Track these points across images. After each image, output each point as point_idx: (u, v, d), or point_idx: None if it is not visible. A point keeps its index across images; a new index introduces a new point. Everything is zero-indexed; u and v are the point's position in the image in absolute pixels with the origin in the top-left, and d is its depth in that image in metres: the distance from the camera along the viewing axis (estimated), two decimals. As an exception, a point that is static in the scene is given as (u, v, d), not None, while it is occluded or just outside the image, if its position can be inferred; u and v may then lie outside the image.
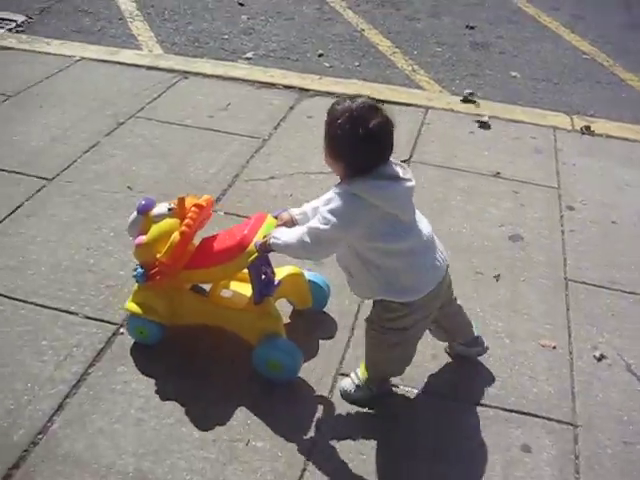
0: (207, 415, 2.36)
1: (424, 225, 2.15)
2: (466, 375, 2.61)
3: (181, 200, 2.39)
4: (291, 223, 2.31)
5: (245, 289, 2.51)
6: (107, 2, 6.39)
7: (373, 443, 2.32)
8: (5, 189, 3.45)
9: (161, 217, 2.39)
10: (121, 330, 2.68)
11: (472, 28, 6.36)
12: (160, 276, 2.35)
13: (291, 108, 4.48)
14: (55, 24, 5.93)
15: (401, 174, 2.03)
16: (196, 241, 2.49)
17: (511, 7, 6.88)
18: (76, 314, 2.74)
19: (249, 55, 5.51)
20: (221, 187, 3.56)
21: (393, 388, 2.53)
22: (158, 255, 2.32)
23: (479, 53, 5.85)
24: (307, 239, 2.04)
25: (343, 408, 2.44)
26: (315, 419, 2.38)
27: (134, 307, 2.46)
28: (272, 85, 4.80)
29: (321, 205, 2.06)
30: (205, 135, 4.04)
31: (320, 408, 2.43)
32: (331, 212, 1.98)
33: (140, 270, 2.37)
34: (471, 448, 2.34)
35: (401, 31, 6.18)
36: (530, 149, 4.24)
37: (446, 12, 6.71)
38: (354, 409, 2.44)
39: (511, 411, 2.48)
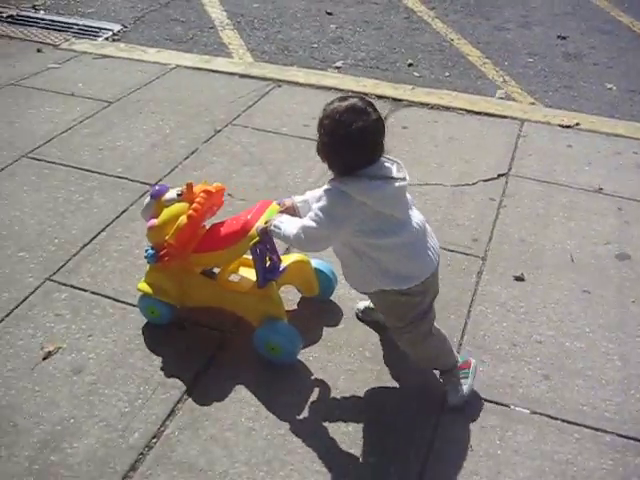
0: (317, 427, 2.34)
1: (417, 215, 2.19)
2: (578, 397, 2.52)
3: (189, 186, 2.49)
4: (292, 210, 2.36)
5: (252, 274, 2.56)
6: (198, 11, 6.50)
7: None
8: (110, 194, 3.53)
9: (172, 202, 2.50)
10: (229, 335, 2.69)
11: (564, 38, 6.21)
12: (168, 257, 2.46)
13: (385, 118, 4.42)
14: (149, 33, 6.07)
15: (394, 173, 2.05)
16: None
17: (604, 16, 6.69)
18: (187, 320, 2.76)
19: (339, 64, 5.51)
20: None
21: (510, 407, 2.46)
22: (167, 237, 2.42)
23: (572, 64, 5.70)
24: (302, 235, 2.11)
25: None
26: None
27: (145, 287, 2.58)
28: (365, 95, 4.76)
29: (314, 201, 2.12)
30: (301, 144, 4.05)
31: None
32: (321, 210, 2.05)
33: (151, 251, 2.50)
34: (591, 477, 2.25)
35: (491, 41, 6.08)
36: (632, 164, 4.10)
37: (537, 22, 6.58)
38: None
39: (628, 438, 2.38)
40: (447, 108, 4.65)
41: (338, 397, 2.47)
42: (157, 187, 2.57)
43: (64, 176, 3.66)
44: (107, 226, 3.30)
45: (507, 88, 5.19)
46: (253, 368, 2.56)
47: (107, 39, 5.89)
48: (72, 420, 2.34)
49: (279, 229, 2.23)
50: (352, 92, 4.77)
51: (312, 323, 2.77)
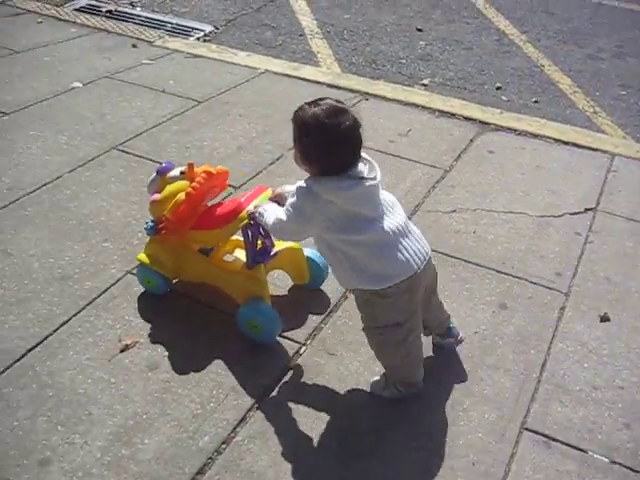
0: (395, 446, 2.30)
1: (396, 216, 2.19)
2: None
3: (190, 165, 2.62)
4: (280, 199, 2.44)
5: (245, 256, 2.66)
6: (289, 18, 6.55)
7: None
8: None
9: (175, 179, 2.64)
10: (303, 349, 2.67)
11: (660, 73, 6.01)
12: (165, 231, 2.60)
13: (471, 140, 4.38)
14: (239, 36, 6.14)
15: (364, 173, 2.09)
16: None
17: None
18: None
19: (425, 82, 5.46)
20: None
21: (588, 453, 2.37)
22: (165, 212, 2.55)
23: (667, 100, 5.51)
24: (277, 225, 2.25)
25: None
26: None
27: (144, 257, 2.72)
28: (452, 115, 4.72)
29: (289, 196, 2.21)
30: (387, 160, 4.02)
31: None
32: (292, 206, 2.16)
33: (151, 224, 2.65)
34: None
35: (583, 70, 5.93)
36: None
37: (632, 53, 6.40)
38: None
39: None
40: (535, 135, 4.55)
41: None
42: (164, 164, 2.72)
43: (151, 170, 3.63)
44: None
45: (597, 119, 5.04)
46: (327, 381, 2.53)
47: (199, 39, 5.98)
48: (145, 416, 2.35)
49: (262, 216, 2.36)
50: (439, 111, 4.73)
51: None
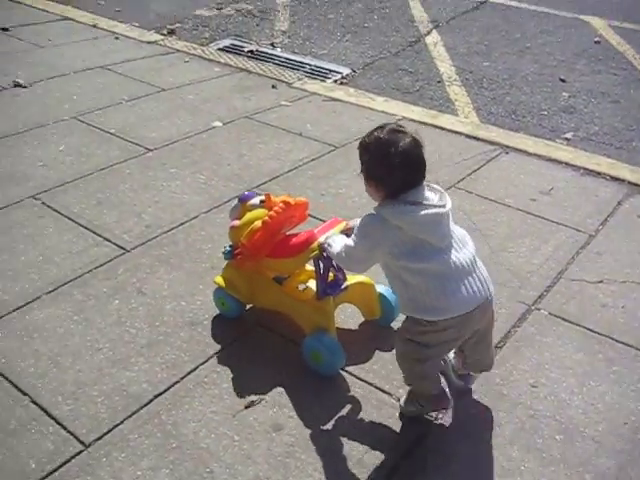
0: None
1: (464, 251, 2.18)
2: None
3: (267, 195, 2.74)
4: (351, 232, 2.39)
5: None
6: (427, 64, 6.46)
7: None
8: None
9: (255, 207, 2.73)
10: (435, 422, 2.50)
11: None
12: (241, 256, 2.69)
13: (619, 203, 4.08)
14: (376, 80, 6.10)
15: (433, 201, 2.13)
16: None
17: None
18: (389, 394, 2.61)
19: (568, 136, 5.19)
20: (544, 282, 3.28)
21: None
22: (242, 238, 2.63)
23: None
24: (343, 254, 2.30)
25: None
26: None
27: (220, 281, 2.83)
28: (598, 174, 4.44)
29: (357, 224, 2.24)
30: (527, 220, 3.80)
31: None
32: (359, 232, 2.20)
33: (228, 248, 2.77)
34: None
35: None
36: None
37: None
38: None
39: None
40: (693, 202, 4.18)
41: None
42: (246, 193, 2.84)
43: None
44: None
45: None
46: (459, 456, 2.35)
47: (336, 82, 6.00)
48: (266, 480, 2.25)
49: (330, 246, 2.40)
50: (584, 169, 4.47)
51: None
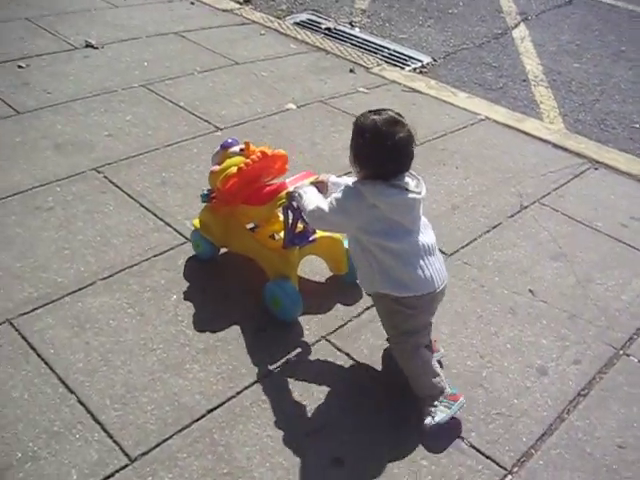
0: None
1: (427, 235, 2.31)
2: None
3: (246, 143, 2.80)
4: (323, 186, 2.54)
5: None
6: (513, 59, 6.11)
7: None
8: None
9: (235, 155, 2.80)
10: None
11: None
12: (215, 199, 2.81)
13: None
14: (457, 71, 5.78)
15: (410, 186, 2.21)
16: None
17: None
18: (462, 438, 2.36)
19: (662, 154, 4.81)
20: (635, 324, 2.98)
21: None
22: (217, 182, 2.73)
23: None
24: (315, 212, 2.34)
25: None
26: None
27: (197, 223, 2.92)
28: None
29: (337, 191, 2.32)
30: (617, 248, 3.49)
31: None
32: (337, 200, 2.26)
33: (206, 192, 2.84)
34: None
35: None
36: None
37: None
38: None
39: None
40: None
41: None
42: (229, 140, 2.88)
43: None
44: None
45: None
46: None
47: (415, 69, 5.70)
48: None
49: (300, 197, 2.44)
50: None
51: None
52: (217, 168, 2.81)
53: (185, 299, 2.81)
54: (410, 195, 2.20)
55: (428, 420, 2.32)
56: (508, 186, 3.93)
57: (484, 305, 3.00)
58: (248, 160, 2.65)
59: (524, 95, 5.51)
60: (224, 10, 6.22)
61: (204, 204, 2.90)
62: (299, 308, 2.71)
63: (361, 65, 5.41)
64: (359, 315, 2.85)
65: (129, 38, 5.32)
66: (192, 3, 6.31)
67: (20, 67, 4.63)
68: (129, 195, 3.41)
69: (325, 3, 7.06)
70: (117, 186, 3.48)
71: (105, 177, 3.55)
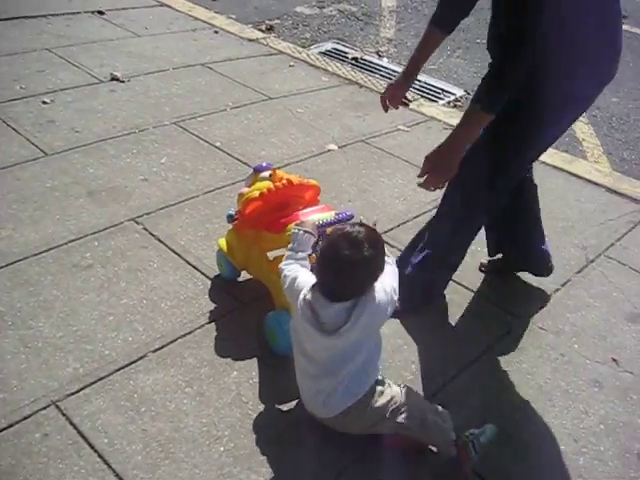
0: None
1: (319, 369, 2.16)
2: None
3: (274, 170, 2.82)
4: (314, 229, 2.36)
5: None
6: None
7: None
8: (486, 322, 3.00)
9: (264, 179, 2.80)
10: None
11: None
12: (236, 222, 2.83)
13: None
14: (493, 106, 5.54)
15: (330, 322, 2.06)
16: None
17: None
18: None
19: None
20: None
21: None
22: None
23: None
24: (284, 263, 2.29)
25: None
26: None
27: (222, 243, 2.92)
28: None
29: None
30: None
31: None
32: (292, 275, 2.22)
33: (231, 212, 2.88)
34: None
35: None
36: None
37: None
38: None
39: None
40: None
41: None
42: (263, 164, 2.91)
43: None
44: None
45: None
46: None
47: (449, 103, 5.49)
48: None
49: (295, 236, 2.32)
50: None
51: None
52: (245, 190, 2.80)
53: (247, 374, 2.55)
54: (313, 330, 2.08)
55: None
56: (570, 237, 3.70)
57: (568, 378, 2.75)
58: (272, 186, 2.64)
59: (567, 133, 5.26)
60: (250, 39, 5.99)
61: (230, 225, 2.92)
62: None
63: (398, 100, 5.16)
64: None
65: (155, 70, 5.07)
66: (216, 32, 6.09)
67: (45, 103, 4.38)
68: (173, 250, 3.15)
69: (350, 31, 6.87)
70: (159, 240, 3.22)
71: (145, 229, 3.29)
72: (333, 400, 2.13)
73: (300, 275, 2.19)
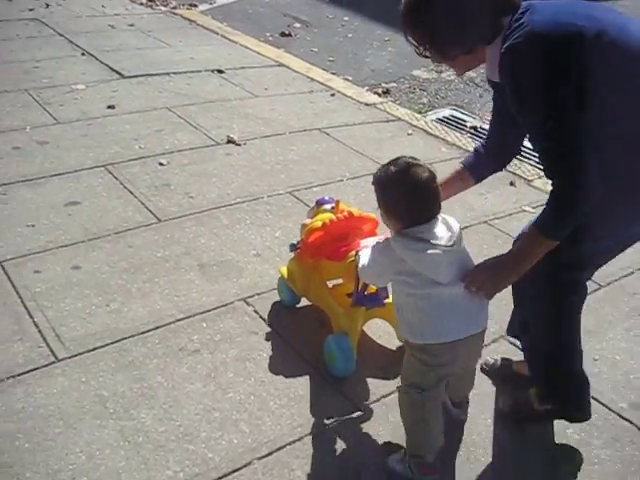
0: None
1: (458, 286, 2.18)
2: None
3: (337, 202, 2.88)
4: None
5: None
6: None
7: None
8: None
9: (326, 211, 2.88)
10: None
11: None
12: (299, 250, 2.89)
13: None
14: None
15: (442, 239, 2.13)
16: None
17: None
18: None
19: None
20: None
21: None
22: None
23: None
24: (361, 268, 2.37)
25: None
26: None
27: (283, 270, 3.04)
28: None
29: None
30: None
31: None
32: (372, 257, 2.30)
33: (293, 242, 2.95)
34: None
35: None
36: None
37: None
38: None
39: None
40: None
41: None
42: (326, 197, 3.02)
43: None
44: None
45: None
46: None
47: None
48: None
49: (359, 257, 2.40)
50: None
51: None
52: (308, 221, 2.90)
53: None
54: (437, 250, 2.10)
55: (392, 462, 2.37)
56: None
57: None
58: (334, 217, 2.74)
59: None
60: (366, 104, 5.85)
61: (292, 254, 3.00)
62: (350, 366, 2.72)
63: (520, 176, 4.88)
64: None
65: (272, 134, 4.99)
66: (332, 95, 5.99)
67: (161, 164, 4.34)
68: (287, 342, 2.95)
69: (468, 98, 6.63)
70: (270, 326, 3.03)
71: (255, 312, 3.11)
72: (482, 314, 2.27)
73: (372, 248, 2.31)
